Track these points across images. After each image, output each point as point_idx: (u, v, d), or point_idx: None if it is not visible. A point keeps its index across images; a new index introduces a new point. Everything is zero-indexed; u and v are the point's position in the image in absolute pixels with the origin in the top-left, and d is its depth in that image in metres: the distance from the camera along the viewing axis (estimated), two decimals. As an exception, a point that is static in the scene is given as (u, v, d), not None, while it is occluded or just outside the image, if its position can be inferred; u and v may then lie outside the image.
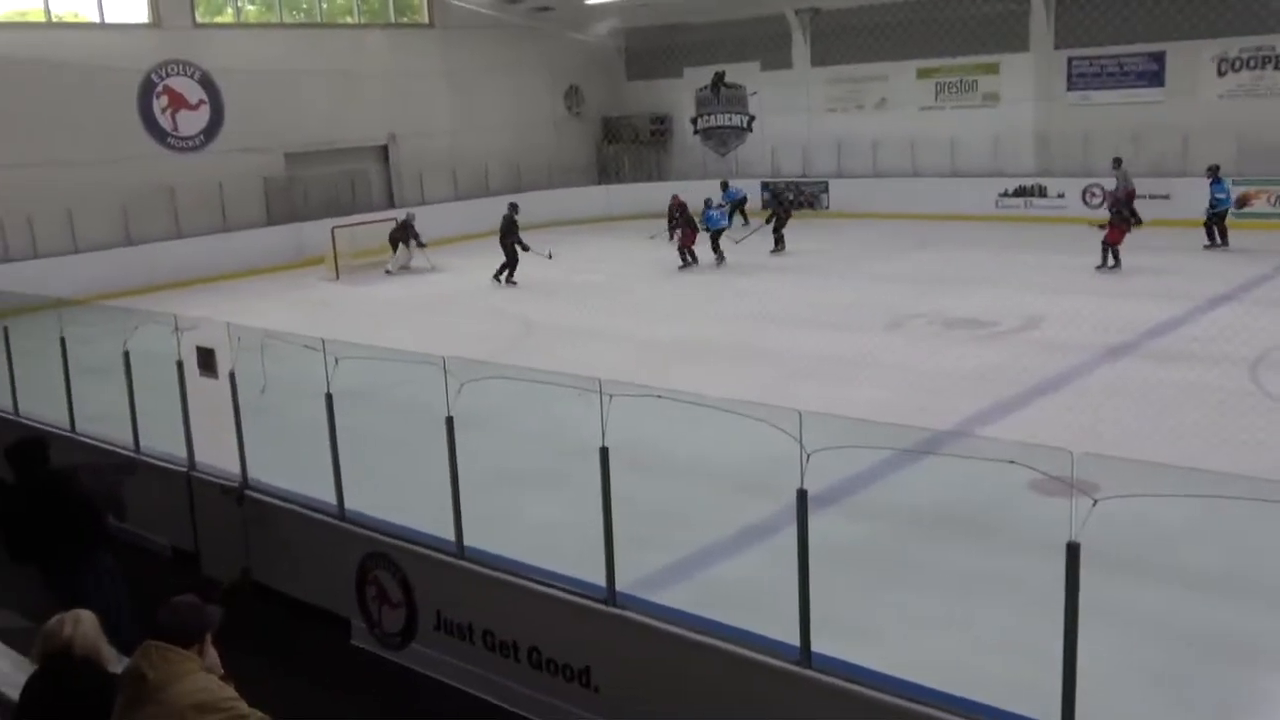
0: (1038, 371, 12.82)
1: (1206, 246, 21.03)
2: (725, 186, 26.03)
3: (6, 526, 6.87)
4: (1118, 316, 15.24)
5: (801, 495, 5.38)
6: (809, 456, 5.25)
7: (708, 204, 23.01)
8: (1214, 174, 21.33)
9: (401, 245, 23.55)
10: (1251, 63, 23.64)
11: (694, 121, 33.01)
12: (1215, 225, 21.15)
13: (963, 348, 14.50)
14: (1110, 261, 19.23)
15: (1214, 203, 21.21)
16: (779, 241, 23.69)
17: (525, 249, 21.22)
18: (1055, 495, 6.45)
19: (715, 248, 22.45)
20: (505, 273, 21.36)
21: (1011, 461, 5.26)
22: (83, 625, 4.13)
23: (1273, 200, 22.56)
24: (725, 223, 23.18)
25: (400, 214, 24.78)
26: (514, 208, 21.88)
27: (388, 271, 23.33)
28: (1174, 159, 24.41)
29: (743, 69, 31.67)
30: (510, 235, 21.30)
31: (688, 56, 32.39)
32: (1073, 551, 4.77)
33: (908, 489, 9.05)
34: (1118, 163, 24.00)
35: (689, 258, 22.31)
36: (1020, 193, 26.42)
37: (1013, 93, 26.92)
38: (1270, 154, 22.84)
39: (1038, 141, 26.59)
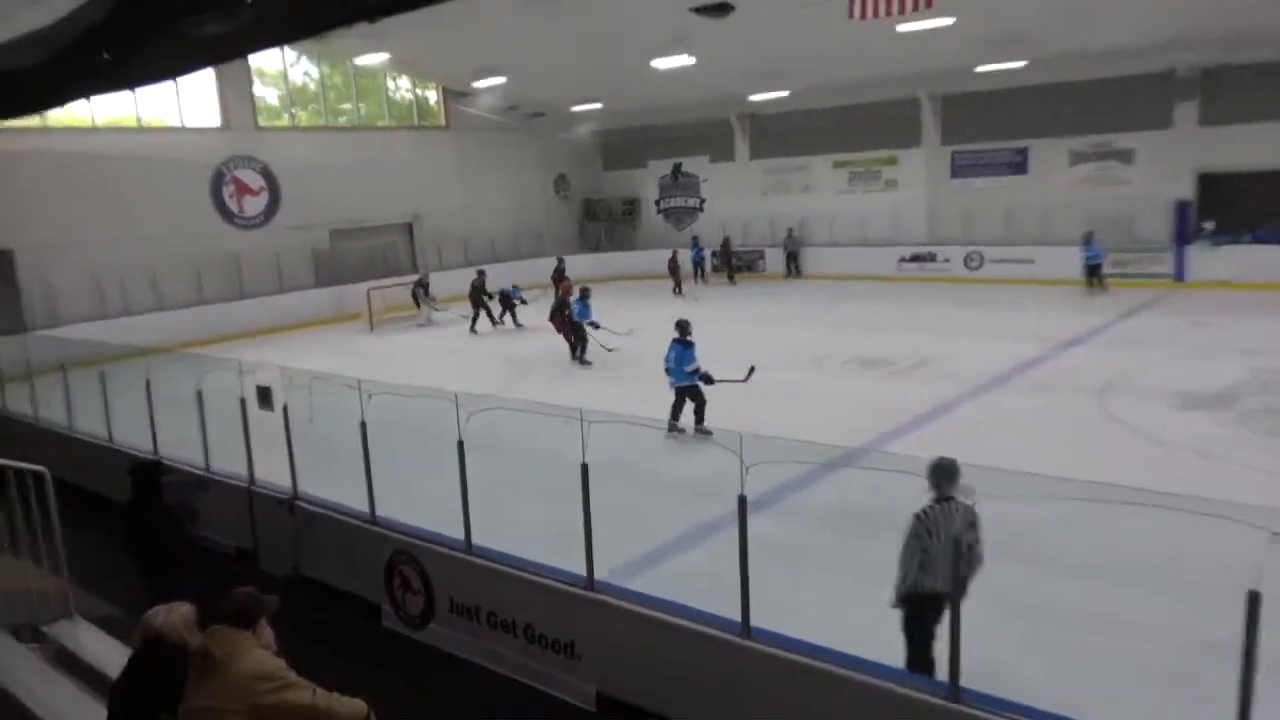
0: (930, 400, 12.94)
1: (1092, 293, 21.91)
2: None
3: (133, 536, 6.70)
4: (994, 356, 15.40)
5: (741, 500, 5.42)
6: (748, 469, 5.30)
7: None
8: (1087, 239, 22.21)
9: (422, 300, 23.52)
10: (1096, 155, 24.03)
11: (657, 203, 33.17)
12: (1093, 275, 22.14)
13: (871, 381, 14.61)
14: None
15: (1090, 258, 22.16)
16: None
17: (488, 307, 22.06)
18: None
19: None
20: (474, 321, 21.94)
21: (910, 473, 5.33)
22: (174, 616, 4.07)
23: (1114, 264, 22.87)
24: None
25: (415, 276, 24.67)
26: (482, 273, 22.92)
27: (419, 325, 23.15)
28: (1037, 232, 24.77)
29: (696, 161, 31.93)
30: (478, 293, 22.23)
31: (652, 151, 32.65)
32: (957, 545, 4.82)
33: (827, 495, 9.09)
34: (789, 232, 28.38)
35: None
36: (915, 258, 26.67)
37: (908, 179, 27.23)
38: (1112, 227, 23.17)
39: (929, 218, 26.88)
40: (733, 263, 28.99)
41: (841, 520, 8.71)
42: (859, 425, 11.46)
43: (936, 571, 5.40)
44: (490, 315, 22.22)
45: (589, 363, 17.00)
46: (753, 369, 12.16)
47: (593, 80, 25.95)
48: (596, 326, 17.27)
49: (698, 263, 28.55)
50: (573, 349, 17.27)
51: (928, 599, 5.46)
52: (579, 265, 28.24)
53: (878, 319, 20.40)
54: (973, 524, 5.43)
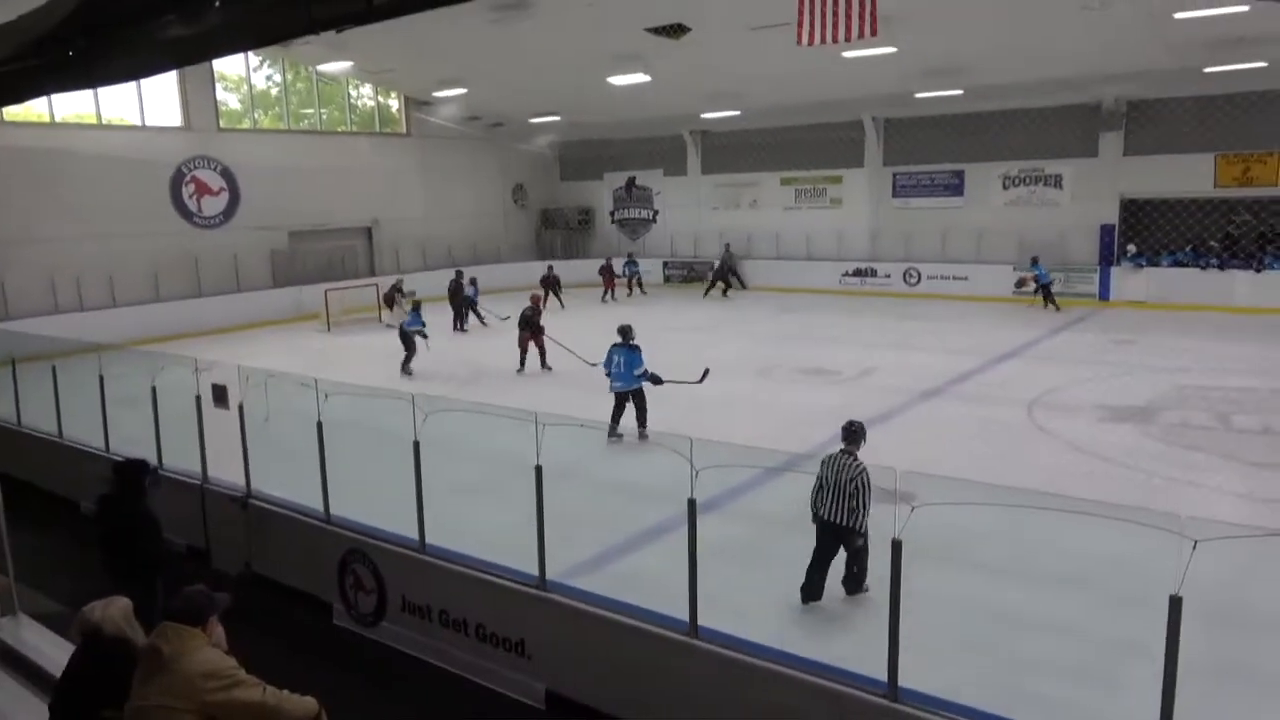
0: (871, 409, 13.00)
1: (1056, 309, 21.90)
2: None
3: (110, 537, 6.36)
4: (931, 367, 15.61)
5: (691, 503, 5.40)
6: (697, 473, 5.28)
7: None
8: (1034, 262, 22.36)
9: (397, 303, 23.27)
10: (1027, 180, 24.54)
11: (612, 214, 33.15)
12: (1046, 295, 22.14)
13: (815, 390, 14.70)
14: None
15: (1037, 278, 22.23)
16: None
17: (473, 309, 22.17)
18: (883, 503, 6.59)
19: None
20: (459, 323, 22.12)
21: (851, 477, 5.32)
22: (111, 609, 3.91)
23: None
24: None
25: (394, 278, 24.22)
26: (460, 274, 23.04)
27: (389, 326, 22.77)
28: (971, 250, 25.22)
29: (649, 174, 31.98)
30: (458, 295, 22.25)
31: (607, 164, 32.64)
32: (896, 548, 4.84)
33: (772, 499, 9.11)
34: (726, 247, 28.49)
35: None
36: (857, 273, 26.99)
37: (852, 198, 27.55)
38: (1042, 248, 23.59)
39: (870, 235, 27.20)
40: (728, 278, 27.58)
41: (787, 522, 8.72)
42: (805, 432, 11.49)
43: (824, 501, 6.81)
44: (461, 316, 22.25)
45: (410, 373, 16.71)
46: (707, 371, 12.16)
47: (552, 94, 25.86)
48: (424, 336, 17.17)
49: (632, 276, 27.90)
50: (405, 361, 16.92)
51: (820, 522, 6.86)
52: (530, 272, 27.94)
53: (822, 331, 20.58)
54: (853, 479, 6.64)
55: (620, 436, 11.35)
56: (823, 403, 13.64)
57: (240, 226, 24.60)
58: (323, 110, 27.41)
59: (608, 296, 26.62)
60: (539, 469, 5.98)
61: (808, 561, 7.00)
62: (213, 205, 24.21)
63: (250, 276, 24.63)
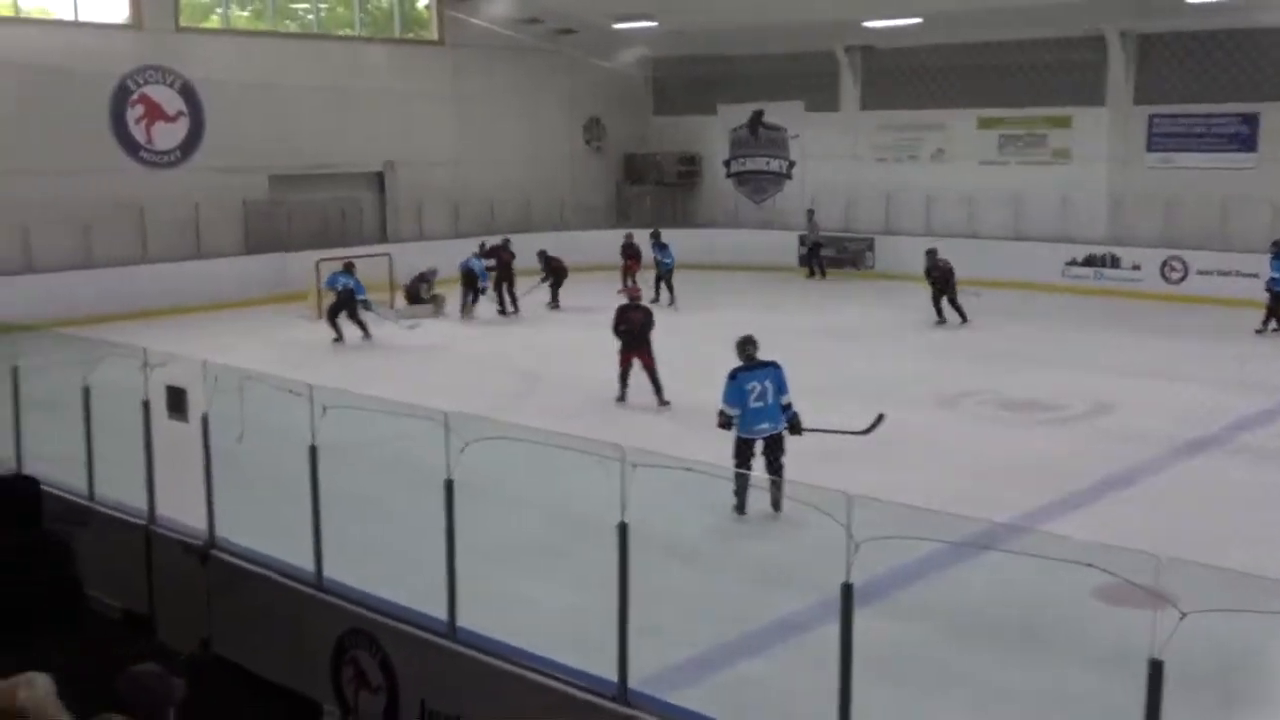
0: (1108, 464, 12.77)
1: (1258, 331, 20.89)
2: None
3: None
4: (1199, 406, 15.24)
5: (846, 590, 5.34)
6: (858, 547, 5.22)
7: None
8: (1277, 249, 21.09)
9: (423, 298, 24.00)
10: (1358, 130, 23.82)
11: (727, 164, 33.20)
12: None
13: (1023, 432, 14.48)
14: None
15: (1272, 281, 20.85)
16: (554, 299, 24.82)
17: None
18: (1125, 605, 6.41)
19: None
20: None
21: (1090, 564, 5.23)
22: (36, 689, 4.06)
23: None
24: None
25: (417, 258, 25.07)
26: (483, 246, 24.54)
27: (402, 322, 23.16)
28: (1265, 233, 24.33)
29: (784, 108, 31.89)
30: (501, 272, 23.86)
31: (723, 92, 32.67)
32: (1155, 670, 4.72)
33: (959, 588, 8.97)
34: (810, 214, 30.03)
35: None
36: (1090, 262, 26.44)
37: (1085, 150, 27.03)
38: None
39: (1112, 205, 26.65)
40: (819, 258, 29.19)
41: (981, 626, 8.60)
42: (1007, 492, 11.33)
43: None
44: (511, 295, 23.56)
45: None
46: (881, 417, 11.88)
47: (647, -13, 26.07)
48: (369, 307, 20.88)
49: (661, 270, 25.58)
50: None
51: None
52: (601, 244, 27.72)
53: (1035, 346, 20.24)
54: None
55: (744, 510, 10.98)
56: (1035, 450, 13.45)
57: (204, 166, 25.31)
58: (322, 5, 28.10)
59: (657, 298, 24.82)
60: (624, 528, 6.01)
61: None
62: (168, 135, 24.98)
63: (216, 236, 25.35)
